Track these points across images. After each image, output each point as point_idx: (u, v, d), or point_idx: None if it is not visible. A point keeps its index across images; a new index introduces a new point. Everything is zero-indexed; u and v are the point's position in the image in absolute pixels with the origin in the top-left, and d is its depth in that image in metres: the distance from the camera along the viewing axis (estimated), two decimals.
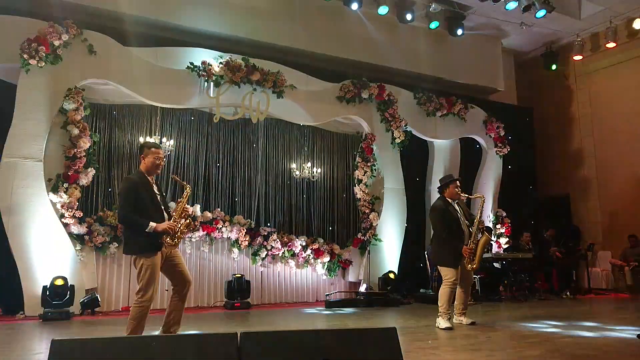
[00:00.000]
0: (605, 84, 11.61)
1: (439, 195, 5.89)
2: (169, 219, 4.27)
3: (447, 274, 5.53)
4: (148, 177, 4.29)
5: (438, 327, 5.36)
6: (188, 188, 4.53)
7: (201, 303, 8.21)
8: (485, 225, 5.64)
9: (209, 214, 8.22)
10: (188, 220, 4.36)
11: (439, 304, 5.46)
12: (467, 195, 6.05)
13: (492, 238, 5.59)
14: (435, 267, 6.52)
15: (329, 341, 2.60)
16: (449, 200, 5.72)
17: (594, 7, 10.56)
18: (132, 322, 4.05)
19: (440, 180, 6.00)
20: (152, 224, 4.07)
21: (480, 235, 5.53)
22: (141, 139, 8.05)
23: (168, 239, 4.15)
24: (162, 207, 4.32)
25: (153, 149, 4.30)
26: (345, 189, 9.86)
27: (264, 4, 9.20)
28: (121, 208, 4.17)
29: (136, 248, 4.13)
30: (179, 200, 4.57)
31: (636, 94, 10.89)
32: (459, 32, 10.34)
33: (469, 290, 5.79)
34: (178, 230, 4.23)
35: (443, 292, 5.48)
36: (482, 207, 5.75)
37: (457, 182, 5.80)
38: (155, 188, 4.33)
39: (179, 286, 4.33)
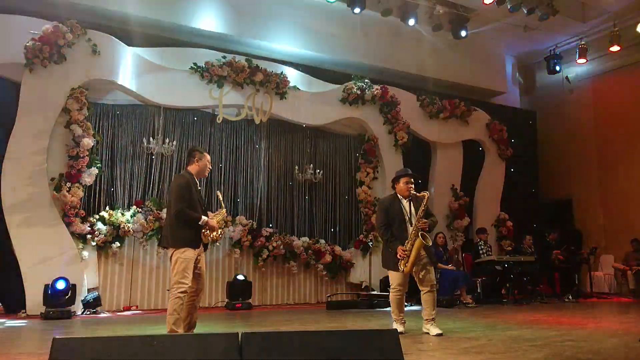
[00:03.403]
0: (608, 88, 11.58)
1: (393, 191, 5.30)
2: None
3: (390, 278, 5.12)
4: (196, 179, 4.61)
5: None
6: (224, 210, 5.07)
7: (202, 303, 8.18)
8: (423, 227, 4.88)
9: (211, 215, 8.20)
10: (222, 230, 4.77)
11: (391, 310, 5.18)
12: (414, 193, 5.12)
13: (428, 243, 5.02)
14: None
15: (330, 342, 2.60)
16: (400, 196, 5.15)
17: (598, 10, 10.54)
18: (170, 315, 4.19)
19: (396, 173, 5.42)
20: (205, 218, 4.42)
21: (415, 237, 4.88)
22: (144, 139, 8.07)
23: (212, 234, 4.48)
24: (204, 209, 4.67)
25: (206, 154, 4.66)
26: (348, 191, 9.86)
27: (265, 3, 9.21)
28: (177, 202, 4.35)
29: (181, 241, 4.32)
30: (217, 213, 5.09)
31: None
32: (463, 34, 10.33)
33: (433, 294, 5.04)
34: (216, 233, 4.58)
35: (390, 299, 5.12)
36: (426, 205, 4.95)
37: (409, 177, 5.16)
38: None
39: (194, 288, 4.45)
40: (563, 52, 11.83)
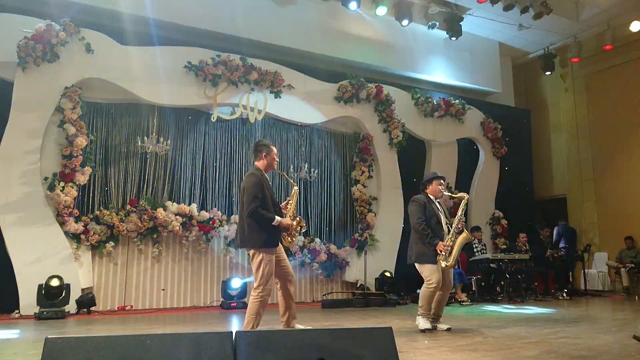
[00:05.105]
0: (602, 86, 11.63)
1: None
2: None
3: (429, 274, 5.15)
4: (266, 174, 4.51)
5: (418, 327, 5.15)
6: (295, 187, 4.68)
7: (197, 303, 8.20)
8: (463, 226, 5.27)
9: (206, 214, 8.20)
10: (299, 218, 4.60)
11: (419, 304, 5.18)
12: (449, 194, 5.88)
13: (470, 238, 5.31)
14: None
15: (325, 340, 2.59)
16: (431, 197, 5.49)
17: (592, 9, 10.57)
18: (252, 316, 4.21)
19: (425, 176, 5.78)
20: (278, 218, 4.28)
21: (457, 234, 5.22)
22: (138, 138, 8.04)
23: (287, 235, 4.37)
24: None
25: (273, 147, 4.58)
26: (343, 189, 9.86)
27: (262, 2, 9.19)
28: (251, 201, 4.23)
29: (259, 242, 4.24)
30: (288, 198, 4.68)
31: (633, 96, 10.92)
32: (457, 33, 10.34)
33: (447, 294, 5.34)
34: (293, 229, 4.46)
35: (424, 294, 5.17)
36: (465, 206, 5.43)
37: (442, 180, 5.60)
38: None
39: (282, 281, 4.46)
40: (557, 50, 11.88)
